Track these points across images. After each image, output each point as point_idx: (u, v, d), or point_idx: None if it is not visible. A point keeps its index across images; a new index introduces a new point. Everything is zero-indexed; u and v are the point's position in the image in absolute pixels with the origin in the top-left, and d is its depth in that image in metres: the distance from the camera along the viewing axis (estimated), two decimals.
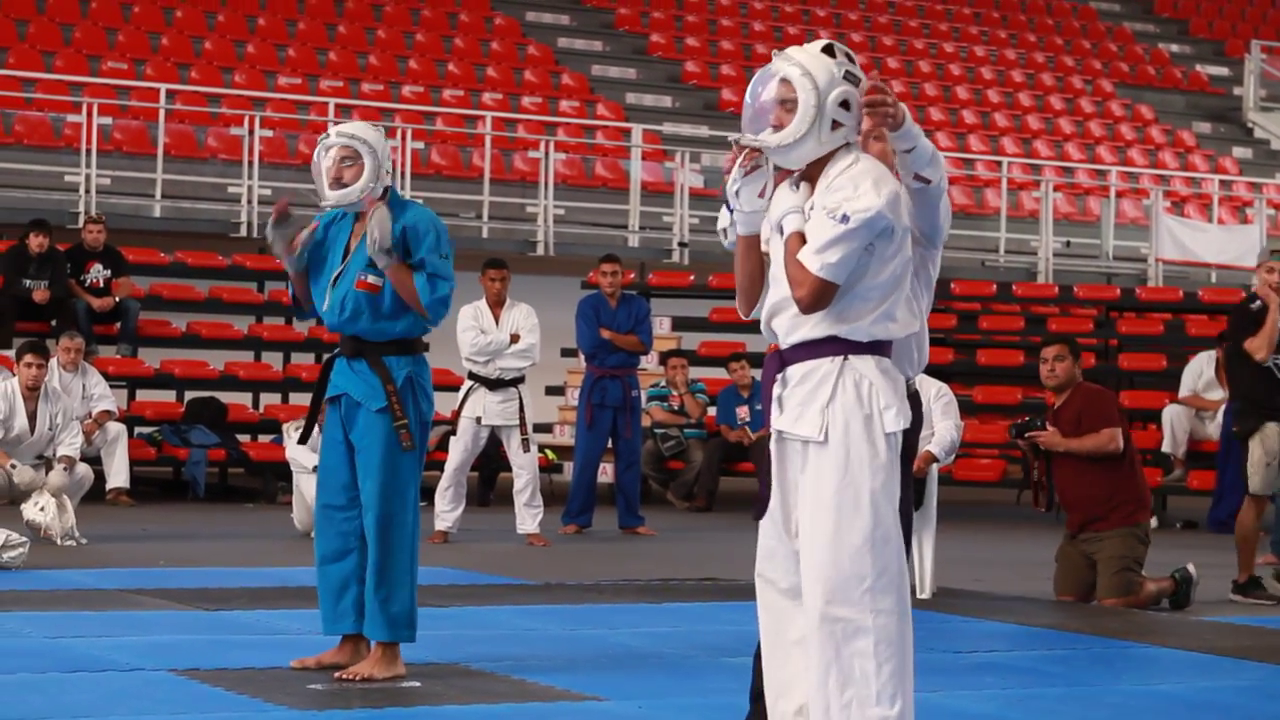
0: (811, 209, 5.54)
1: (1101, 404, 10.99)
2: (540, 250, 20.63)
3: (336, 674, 7.37)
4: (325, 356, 7.88)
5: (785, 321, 5.62)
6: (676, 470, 17.67)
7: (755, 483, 8.01)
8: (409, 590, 7.43)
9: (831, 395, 5.53)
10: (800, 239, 5.51)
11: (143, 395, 17.53)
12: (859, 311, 5.53)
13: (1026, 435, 10.84)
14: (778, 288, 5.63)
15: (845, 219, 5.44)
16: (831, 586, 5.47)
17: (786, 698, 5.78)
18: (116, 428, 15.42)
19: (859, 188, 5.48)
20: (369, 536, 7.45)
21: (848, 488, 5.49)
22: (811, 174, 5.61)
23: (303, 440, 8.54)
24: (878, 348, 5.60)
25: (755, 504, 5.81)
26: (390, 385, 7.43)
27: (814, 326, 5.56)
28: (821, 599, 5.48)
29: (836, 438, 5.51)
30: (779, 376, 5.63)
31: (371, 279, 7.46)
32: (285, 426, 14.09)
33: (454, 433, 13.58)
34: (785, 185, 5.65)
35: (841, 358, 5.55)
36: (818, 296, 5.47)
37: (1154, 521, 16.68)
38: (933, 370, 13.26)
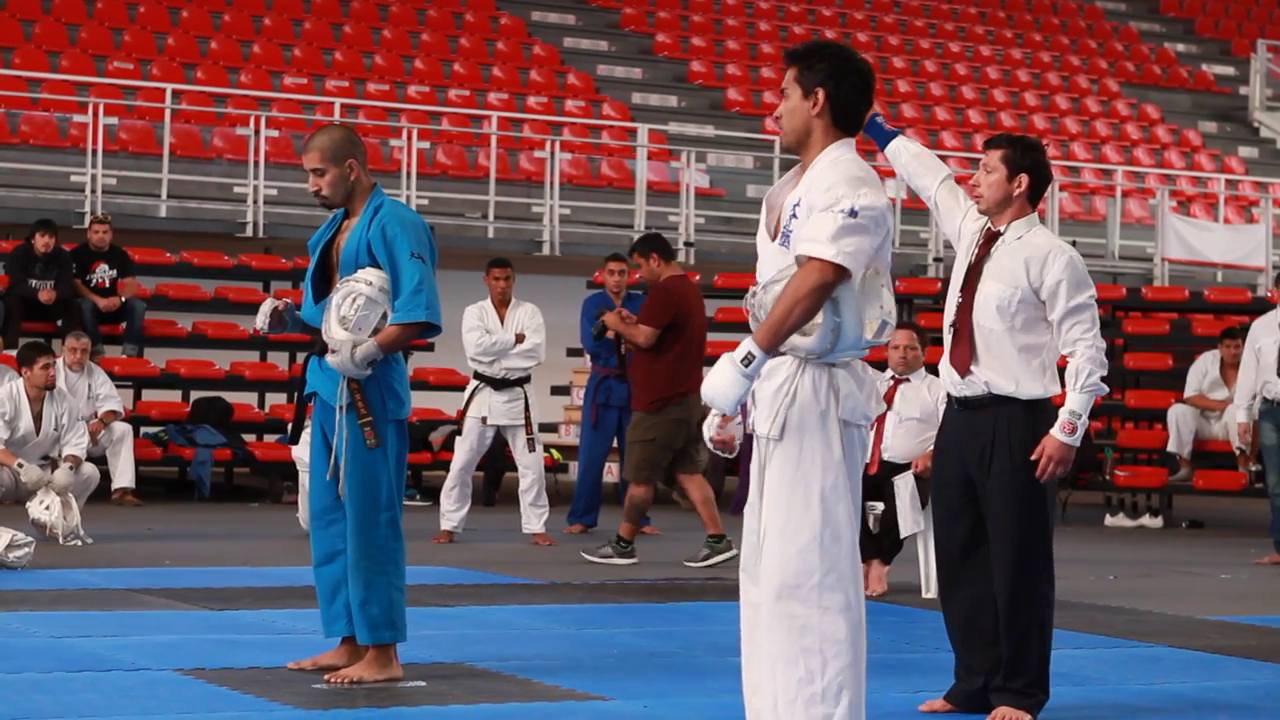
0: (798, 206, 5.53)
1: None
2: (546, 250, 20.63)
3: (326, 676, 7.30)
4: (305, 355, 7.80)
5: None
6: None
7: None
8: (386, 591, 7.29)
9: (792, 392, 5.52)
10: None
11: (148, 395, 17.55)
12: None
13: None
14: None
15: (854, 213, 5.42)
16: (781, 582, 5.48)
17: (760, 694, 5.78)
18: (122, 427, 15.43)
19: (858, 190, 5.46)
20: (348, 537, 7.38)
21: (799, 484, 5.49)
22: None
23: (292, 440, 8.44)
24: None
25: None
26: (354, 382, 7.27)
27: None
28: (772, 594, 5.50)
29: (791, 434, 5.50)
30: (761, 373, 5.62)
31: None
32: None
33: (459, 433, 13.58)
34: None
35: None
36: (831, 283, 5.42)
37: (1160, 520, 16.76)
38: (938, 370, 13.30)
